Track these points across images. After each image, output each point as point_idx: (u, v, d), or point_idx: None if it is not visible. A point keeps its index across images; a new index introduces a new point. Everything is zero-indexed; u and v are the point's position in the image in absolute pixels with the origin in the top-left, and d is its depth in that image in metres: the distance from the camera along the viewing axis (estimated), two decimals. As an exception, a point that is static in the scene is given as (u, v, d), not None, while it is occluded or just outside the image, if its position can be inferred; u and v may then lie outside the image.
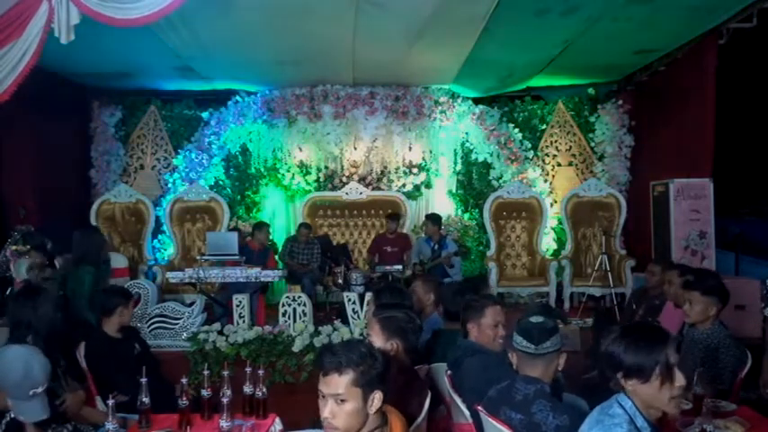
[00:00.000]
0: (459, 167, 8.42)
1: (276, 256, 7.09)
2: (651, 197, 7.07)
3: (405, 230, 7.69)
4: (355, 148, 8.33)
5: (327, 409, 1.78)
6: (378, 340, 2.57)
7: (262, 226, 6.80)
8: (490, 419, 2.26)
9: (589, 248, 7.71)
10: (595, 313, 5.01)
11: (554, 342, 2.25)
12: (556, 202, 8.13)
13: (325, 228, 8.09)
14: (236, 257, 5.88)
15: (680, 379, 1.82)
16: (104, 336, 3.60)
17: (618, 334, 1.90)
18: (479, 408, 2.34)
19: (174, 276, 5.79)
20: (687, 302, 3.14)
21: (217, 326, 5.42)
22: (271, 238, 7.35)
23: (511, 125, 8.24)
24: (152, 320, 5.54)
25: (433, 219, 6.97)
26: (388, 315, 2.66)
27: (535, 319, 2.30)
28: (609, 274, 6.75)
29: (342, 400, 1.77)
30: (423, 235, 7.29)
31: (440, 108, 8.17)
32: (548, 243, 8.07)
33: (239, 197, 8.30)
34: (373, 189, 8.19)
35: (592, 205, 7.61)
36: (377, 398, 1.81)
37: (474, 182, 8.37)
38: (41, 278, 5.40)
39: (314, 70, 7.43)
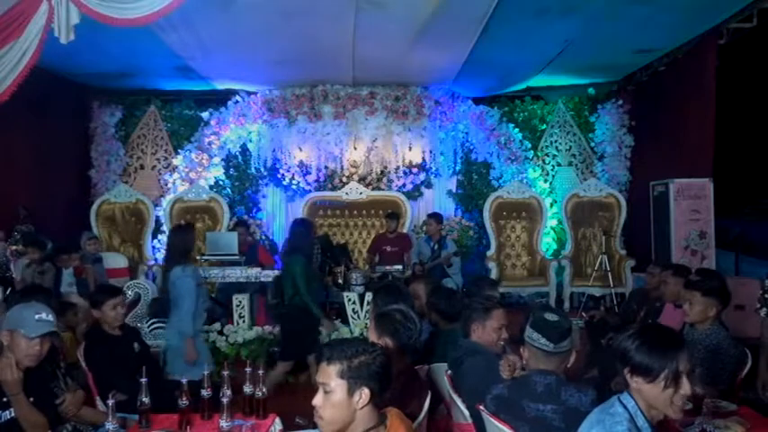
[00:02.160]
0: (459, 167, 8.43)
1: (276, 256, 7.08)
2: (651, 197, 7.07)
3: (404, 230, 7.69)
4: (355, 148, 8.33)
5: (317, 398, 1.82)
6: (371, 337, 2.58)
7: (234, 227, 6.85)
8: (492, 419, 2.25)
9: (589, 248, 7.71)
10: (586, 321, 5.02)
11: (570, 341, 2.27)
12: (556, 202, 8.13)
13: (326, 228, 8.08)
14: (236, 257, 5.88)
15: (686, 387, 1.82)
16: (101, 333, 3.59)
17: (634, 331, 1.93)
18: (481, 408, 2.34)
19: (174, 276, 5.77)
20: (687, 302, 3.13)
21: (217, 326, 5.42)
22: (252, 233, 7.35)
23: (511, 125, 8.24)
24: (152, 320, 5.53)
25: (437, 217, 6.97)
26: (383, 312, 2.66)
27: (550, 316, 2.27)
28: (609, 274, 6.75)
29: (328, 390, 1.79)
30: (423, 234, 7.29)
31: (440, 108, 8.17)
32: (548, 243, 8.07)
33: (239, 197, 8.30)
34: (373, 189, 8.19)
35: (592, 205, 7.62)
36: (364, 394, 1.80)
37: (474, 182, 8.37)
38: (38, 272, 5.43)
39: (314, 70, 7.43)
